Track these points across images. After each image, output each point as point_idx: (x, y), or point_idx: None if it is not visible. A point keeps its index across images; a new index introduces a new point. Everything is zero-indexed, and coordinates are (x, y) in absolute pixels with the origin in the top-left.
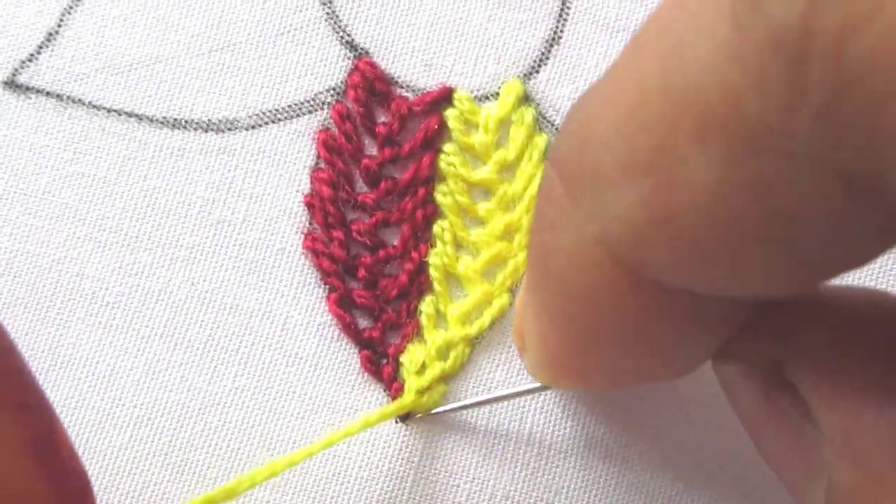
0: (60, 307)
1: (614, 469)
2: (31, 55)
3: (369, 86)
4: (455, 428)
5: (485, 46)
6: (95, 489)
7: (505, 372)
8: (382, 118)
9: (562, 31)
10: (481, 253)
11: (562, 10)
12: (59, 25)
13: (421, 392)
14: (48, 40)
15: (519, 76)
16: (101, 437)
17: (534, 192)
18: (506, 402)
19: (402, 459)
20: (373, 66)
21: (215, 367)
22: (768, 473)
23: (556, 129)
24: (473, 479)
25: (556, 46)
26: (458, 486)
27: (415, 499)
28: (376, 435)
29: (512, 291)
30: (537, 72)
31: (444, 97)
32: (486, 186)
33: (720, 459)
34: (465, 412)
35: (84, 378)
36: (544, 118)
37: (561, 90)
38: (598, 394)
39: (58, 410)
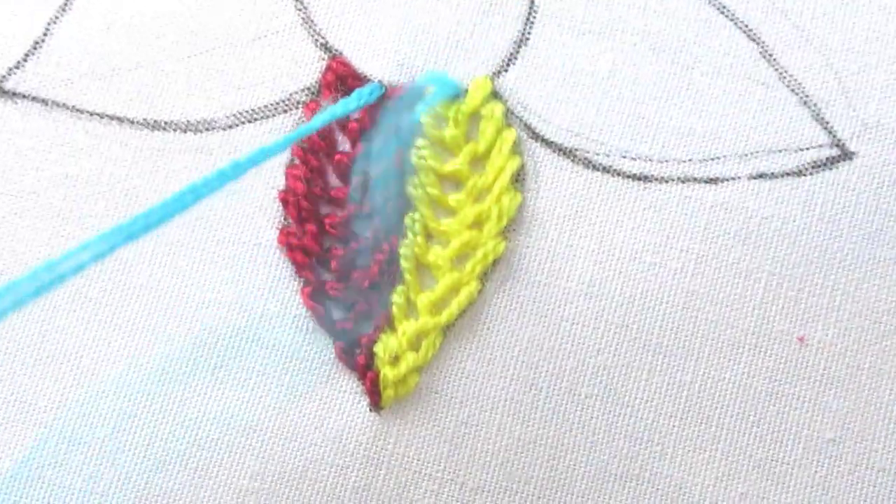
0: (46, 303)
1: (581, 459)
2: (18, 62)
3: (343, 83)
4: (427, 419)
5: (454, 48)
6: (80, 479)
7: (476, 362)
8: (356, 115)
9: (529, 33)
10: (451, 242)
11: (529, 13)
12: (45, 34)
13: (396, 383)
14: (34, 48)
15: (488, 74)
16: (85, 428)
17: (504, 183)
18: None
19: (377, 448)
20: (346, 64)
21: (195, 359)
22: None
23: (525, 124)
24: (445, 468)
25: (524, 47)
26: (431, 476)
27: (389, 486)
28: (351, 424)
29: (481, 279)
30: (506, 70)
31: None
32: (457, 178)
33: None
34: (437, 403)
35: (69, 371)
36: (513, 114)
37: (529, 88)
38: (560, 391)
39: (44, 404)
